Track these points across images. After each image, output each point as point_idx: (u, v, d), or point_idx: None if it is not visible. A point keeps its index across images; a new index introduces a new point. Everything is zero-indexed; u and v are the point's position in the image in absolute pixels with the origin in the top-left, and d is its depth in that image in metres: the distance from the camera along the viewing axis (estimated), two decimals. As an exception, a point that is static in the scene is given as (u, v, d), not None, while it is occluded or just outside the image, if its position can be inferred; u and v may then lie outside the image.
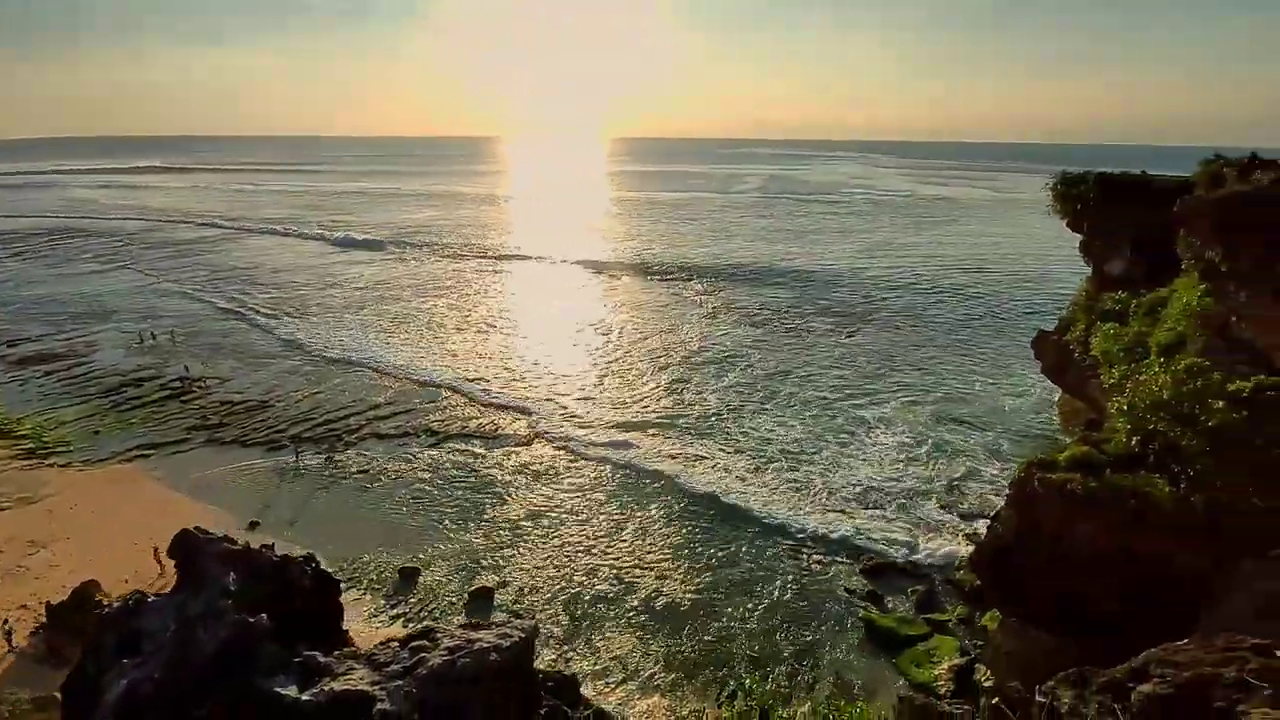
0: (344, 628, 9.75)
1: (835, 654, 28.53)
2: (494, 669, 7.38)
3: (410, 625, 29.00)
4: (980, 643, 29.08)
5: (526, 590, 31.84)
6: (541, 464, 43.39)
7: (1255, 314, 24.97)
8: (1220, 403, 24.19)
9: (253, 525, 36.14)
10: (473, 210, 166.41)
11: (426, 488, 40.50)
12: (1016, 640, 27.86)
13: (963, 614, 30.65)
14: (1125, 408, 27.12)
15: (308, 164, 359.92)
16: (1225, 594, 20.97)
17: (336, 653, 7.64)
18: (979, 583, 27.99)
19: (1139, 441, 25.89)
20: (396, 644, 7.80)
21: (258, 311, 77.48)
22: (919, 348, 66.41)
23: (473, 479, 41.55)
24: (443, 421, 49.22)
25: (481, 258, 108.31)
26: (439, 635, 7.88)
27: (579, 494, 40.19)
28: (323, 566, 9.15)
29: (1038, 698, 4.20)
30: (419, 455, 44.34)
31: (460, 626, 8.10)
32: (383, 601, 30.73)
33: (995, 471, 41.94)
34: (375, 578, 32.47)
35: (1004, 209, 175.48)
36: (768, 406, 52.08)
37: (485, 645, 7.72)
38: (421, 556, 34.19)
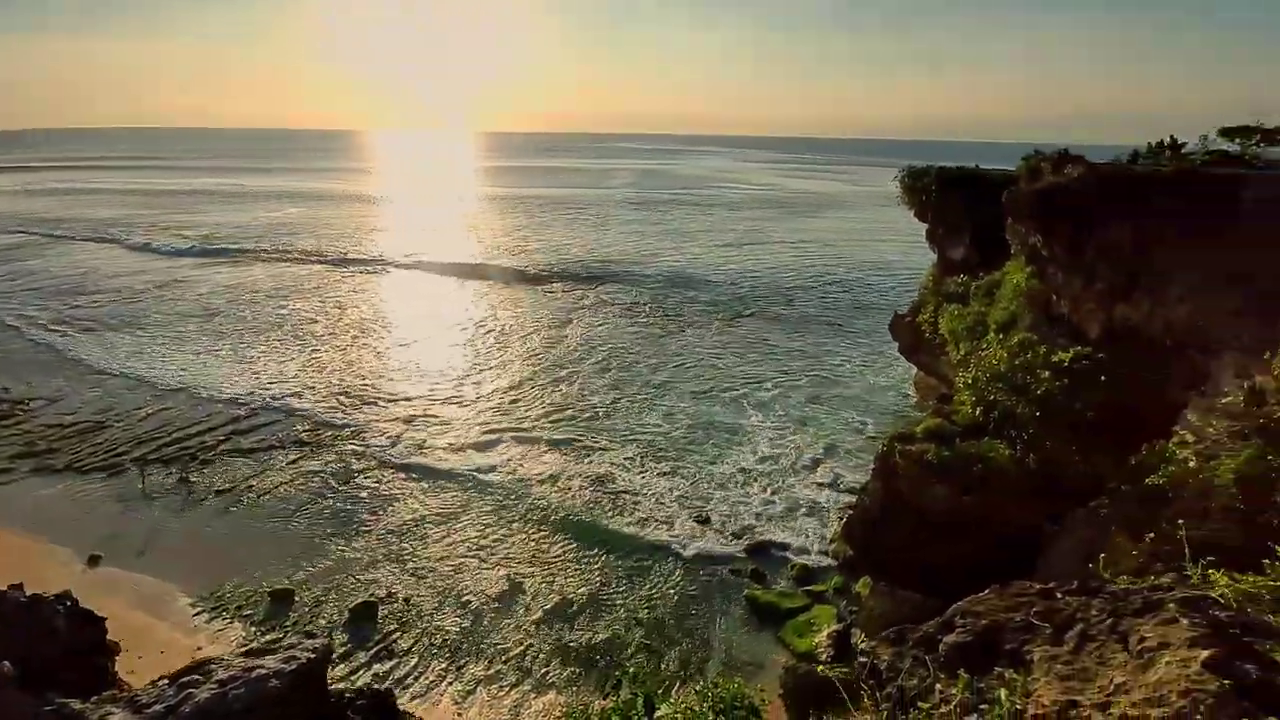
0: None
1: (723, 633, 29.94)
2: (273, 696, 7.00)
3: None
4: (855, 608, 31.24)
5: (412, 600, 31.31)
6: (416, 472, 42.35)
7: (1070, 292, 28.05)
8: (1046, 373, 27.06)
9: (94, 560, 33.18)
10: (334, 210, 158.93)
11: (295, 504, 38.78)
12: (887, 603, 30.13)
13: (838, 583, 32.78)
14: (970, 381, 29.83)
15: (149, 159, 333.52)
16: (1054, 543, 23.60)
17: (95, 698, 7.03)
18: (851, 552, 30.10)
19: (982, 411, 28.56)
20: (165, 681, 7.35)
21: (90, 324, 71.69)
22: (791, 335, 69.64)
23: (345, 491, 40.16)
24: (310, 432, 47.16)
25: (344, 262, 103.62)
26: (214, 667, 7.42)
27: (459, 499, 39.75)
28: (82, 605, 8.74)
29: (859, 658, 4.86)
30: (284, 469, 42.28)
31: (241, 654, 7.78)
32: (254, 629, 29.16)
33: (864, 447, 44.84)
34: (244, 604, 30.80)
35: (862, 201, 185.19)
36: (649, 400, 53.40)
37: (264, 672, 7.30)
38: (295, 577, 32.73)
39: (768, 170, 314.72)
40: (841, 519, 33.42)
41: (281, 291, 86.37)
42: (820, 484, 41.34)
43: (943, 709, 3.89)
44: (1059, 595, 4.82)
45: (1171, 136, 29.00)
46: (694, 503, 39.38)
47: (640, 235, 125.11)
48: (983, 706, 3.84)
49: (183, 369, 58.68)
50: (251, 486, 40.43)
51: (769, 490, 40.76)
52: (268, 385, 55.22)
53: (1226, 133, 27.42)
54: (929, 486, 27.67)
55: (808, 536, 36.38)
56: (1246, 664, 3.65)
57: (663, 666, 27.82)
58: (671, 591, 32.32)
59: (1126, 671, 3.71)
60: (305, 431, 47.19)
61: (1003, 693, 3.85)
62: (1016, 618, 4.59)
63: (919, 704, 4.14)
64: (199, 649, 27.20)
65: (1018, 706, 3.72)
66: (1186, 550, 6.44)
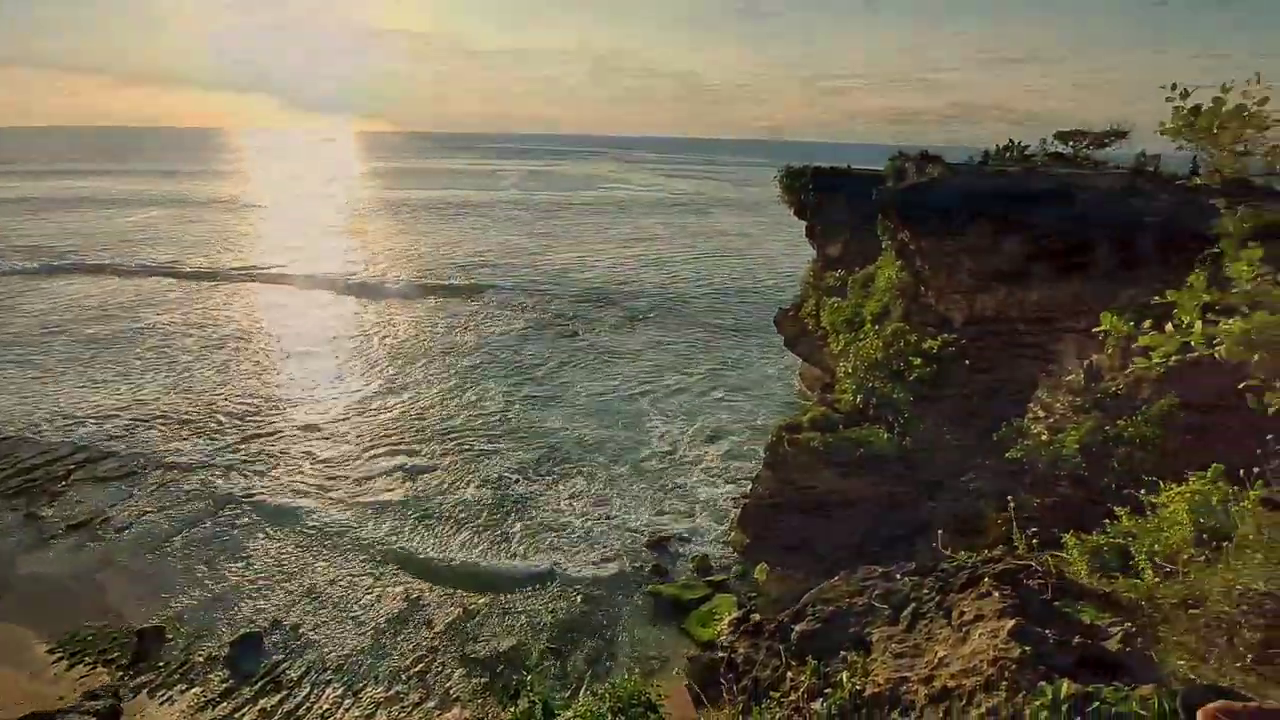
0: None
1: (628, 630, 30.40)
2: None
3: (159, 695, 26.46)
4: (754, 594, 32.35)
5: (301, 627, 30.06)
6: (299, 492, 40.65)
7: (935, 284, 29.94)
8: (918, 359, 28.83)
9: (-82, 614, 29.58)
10: (197, 215, 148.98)
11: (161, 534, 36.30)
12: (783, 586, 31.36)
13: (739, 571, 33.84)
14: (849, 370, 31.41)
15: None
16: (934, 519, 25.21)
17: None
18: (748, 540, 31.14)
19: (862, 399, 30.12)
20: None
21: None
22: (685, 333, 70.97)
23: (219, 517, 38.00)
24: (176, 454, 44.30)
25: (209, 274, 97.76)
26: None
27: (349, 518, 38.47)
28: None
29: (719, 653, 5.08)
30: (148, 497, 39.45)
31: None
32: (120, 673, 27.14)
33: (756, 437, 46.34)
34: (108, 647, 28.51)
35: (748, 200, 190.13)
36: (545, 404, 53.37)
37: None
38: (165, 613, 30.63)
39: (653, 172, 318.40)
40: (737, 508, 34.50)
41: (137, 306, 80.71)
42: (717, 475, 42.47)
43: (791, 696, 4.15)
44: (898, 576, 5.14)
45: (1012, 140, 31.41)
46: (593, 504, 39.71)
47: (531, 238, 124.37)
48: (827, 690, 4.16)
49: (23, 395, 54.13)
50: (109, 518, 37.58)
51: (668, 486, 41.56)
52: (125, 407, 51.71)
53: (1060, 136, 29.95)
54: (817, 472, 28.97)
55: (706, 527, 37.34)
56: (1047, 629, 4.14)
57: (569, 669, 27.99)
58: (574, 593, 32.53)
59: (948, 645, 4.08)
60: (171, 454, 44.32)
61: (844, 675, 4.19)
62: (859, 602, 4.86)
63: (771, 693, 4.39)
64: (60, 698, 25.46)
65: (857, 687, 4.06)
66: (1013, 522, 7.15)
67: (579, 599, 32.22)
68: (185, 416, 50.21)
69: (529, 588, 32.87)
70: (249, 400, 54.12)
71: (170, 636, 29.49)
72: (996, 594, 4.25)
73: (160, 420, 49.53)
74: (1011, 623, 3.93)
